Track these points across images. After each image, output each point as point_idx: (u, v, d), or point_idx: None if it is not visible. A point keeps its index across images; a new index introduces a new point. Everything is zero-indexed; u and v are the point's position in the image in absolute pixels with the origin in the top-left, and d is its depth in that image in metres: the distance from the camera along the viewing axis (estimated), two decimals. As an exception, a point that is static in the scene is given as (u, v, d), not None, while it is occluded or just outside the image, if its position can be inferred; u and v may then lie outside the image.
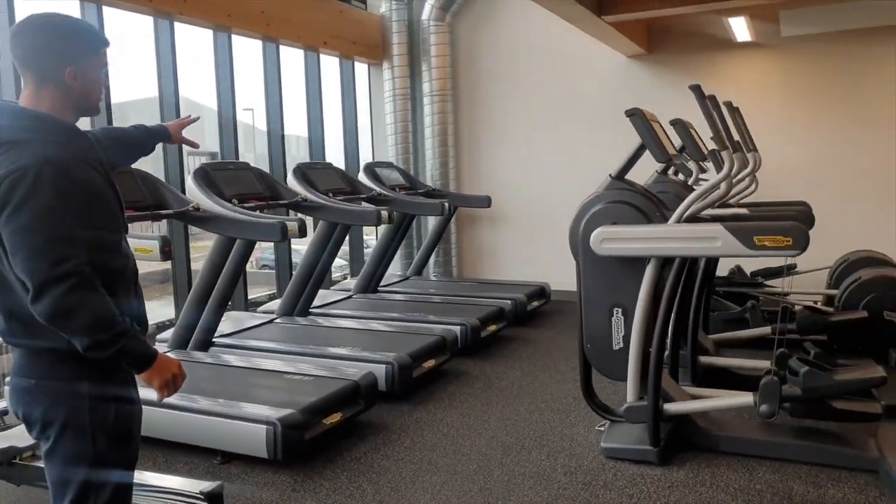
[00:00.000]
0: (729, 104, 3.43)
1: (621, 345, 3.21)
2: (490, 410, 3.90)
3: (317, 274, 5.22)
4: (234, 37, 5.48)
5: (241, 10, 5.21)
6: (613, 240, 3.04)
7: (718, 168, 3.08)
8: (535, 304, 5.94)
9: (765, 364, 3.93)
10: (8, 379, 1.74)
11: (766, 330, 4.42)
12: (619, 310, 3.20)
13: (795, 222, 2.70)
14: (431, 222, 6.76)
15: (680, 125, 3.63)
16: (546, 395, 4.11)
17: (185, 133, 2.38)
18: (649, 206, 3.15)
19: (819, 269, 5.05)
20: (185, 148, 2.69)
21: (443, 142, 6.87)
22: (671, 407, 3.20)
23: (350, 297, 5.96)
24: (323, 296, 5.62)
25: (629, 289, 3.12)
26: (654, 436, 3.15)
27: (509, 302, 5.55)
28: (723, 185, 3.05)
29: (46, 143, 1.57)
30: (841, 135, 5.49)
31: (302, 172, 5.07)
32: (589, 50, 6.02)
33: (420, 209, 5.88)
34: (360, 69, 7.22)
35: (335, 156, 6.91)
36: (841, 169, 5.50)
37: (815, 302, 4.96)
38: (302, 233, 4.21)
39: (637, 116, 3.06)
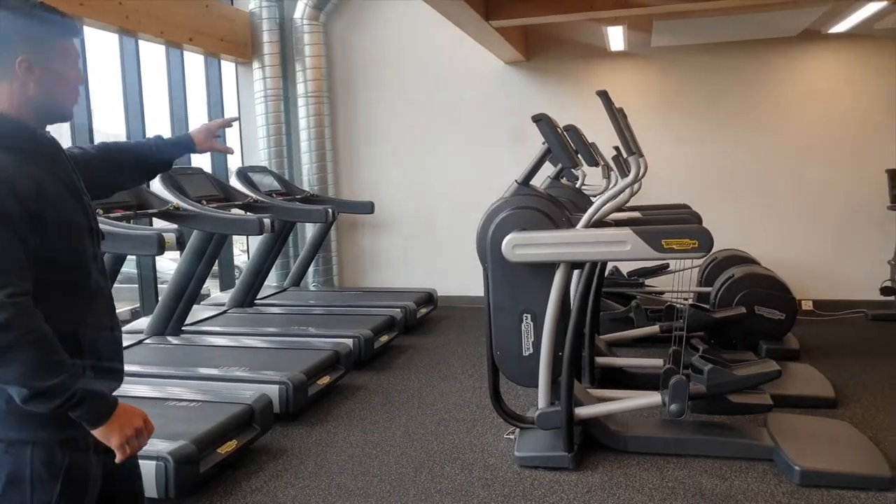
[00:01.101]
0: (621, 110, 3.53)
1: (531, 351, 3.18)
2: (394, 425, 3.73)
3: (191, 289, 4.79)
4: (87, 29, 4.90)
5: (94, -2, 4.66)
6: (526, 246, 3.00)
7: (622, 174, 3.13)
8: (424, 310, 5.84)
9: (656, 362, 4.12)
10: None
11: (655, 328, 4.62)
12: (529, 316, 3.16)
13: (701, 226, 2.79)
14: (310, 230, 6.47)
15: (573, 131, 3.68)
16: (449, 405, 4.01)
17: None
18: (555, 211, 3.14)
19: (689, 269, 5.36)
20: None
21: (320, 145, 6.59)
22: (582, 411, 3.21)
23: (225, 312, 5.55)
24: (193, 312, 5.17)
25: (538, 294, 3.10)
26: (569, 441, 3.14)
27: (399, 310, 5.41)
28: (627, 190, 3.11)
29: None
30: (706, 141, 5.88)
31: (171, 178, 4.62)
32: (468, 54, 6.03)
33: (303, 216, 5.58)
34: (229, 68, 6.78)
35: (201, 160, 6.42)
36: (705, 173, 5.90)
37: (686, 299, 5.26)
38: (181, 245, 3.82)
39: (544, 122, 3.04)
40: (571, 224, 3.10)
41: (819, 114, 5.75)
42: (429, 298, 6.03)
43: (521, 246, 3.03)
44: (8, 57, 1.36)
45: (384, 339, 4.96)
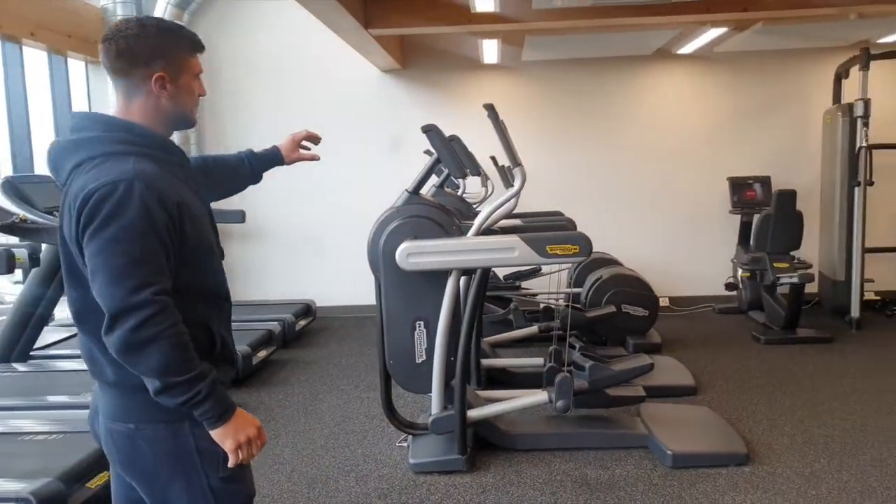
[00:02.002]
0: (501, 122, 3.67)
1: (424, 357, 3.22)
2: (281, 443, 3.63)
3: (41, 311, 4.35)
4: None
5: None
6: (419, 254, 3.03)
7: (506, 183, 3.25)
8: (303, 322, 5.70)
9: (537, 361, 4.31)
10: (98, 420, 1.59)
11: (534, 329, 4.83)
12: (422, 323, 3.20)
13: (582, 232, 2.97)
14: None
15: (458, 142, 3.78)
16: (337, 418, 3.95)
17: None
18: (446, 219, 3.21)
19: (559, 271, 5.65)
20: None
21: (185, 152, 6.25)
22: (474, 413, 3.30)
23: (77, 334, 5.09)
24: (43, 334, 4.68)
25: (431, 302, 3.15)
26: (462, 444, 3.20)
27: (277, 323, 5.25)
28: (513, 199, 3.23)
29: (139, 156, 1.45)
30: (573, 151, 6.22)
31: (13, 187, 4.17)
32: (343, 61, 5.98)
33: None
34: (78, 67, 6.26)
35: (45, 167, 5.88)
36: (573, 181, 6.24)
37: (559, 300, 5.54)
38: (34, 261, 3.49)
39: (434, 132, 3.10)
40: (462, 232, 3.18)
41: (671, 127, 6.27)
42: (307, 310, 5.91)
43: (415, 254, 3.06)
44: (145, 73, 1.48)
45: (262, 354, 4.80)
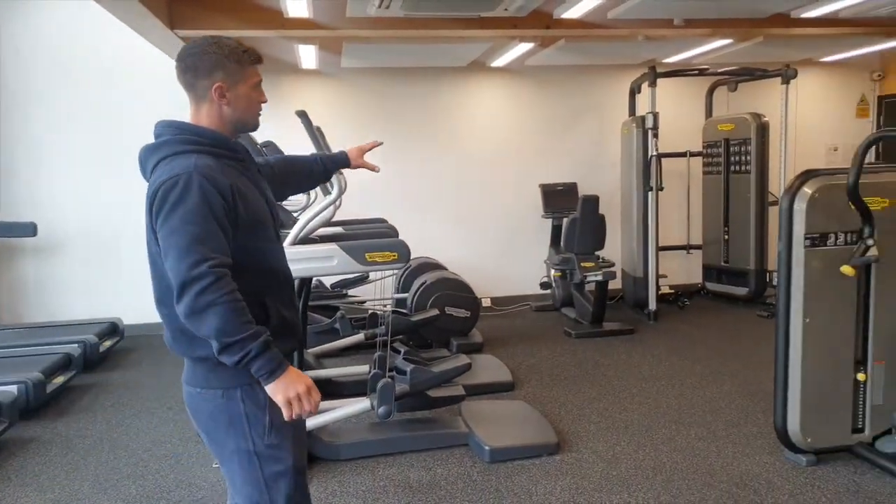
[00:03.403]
0: (318, 129, 3.62)
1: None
2: (80, 476, 3.29)
3: None
4: None
5: None
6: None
7: (324, 190, 3.21)
8: (109, 343, 5.23)
9: (363, 369, 4.29)
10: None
11: (360, 336, 4.80)
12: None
13: (399, 239, 3.00)
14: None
15: (272, 147, 3.68)
16: (147, 444, 3.67)
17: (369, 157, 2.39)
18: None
19: (383, 278, 5.69)
20: None
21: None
22: (295, 427, 3.20)
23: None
24: None
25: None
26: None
27: (77, 345, 4.78)
28: (332, 206, 3.20)
29: (200, 153, 1.68)
30: (396, 158, 6.24)
31: None
32: (141, 62, 5.58)
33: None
34: None
35: None
36: (396, 188, 6.28)
37: (386, 306, 5.58)
38: None
39: (246, 140, 2.97)
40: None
41: (488, 136, 6.56)
42: (113, 329, 5.44)
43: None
44: (207, 86, 1.73)
45: (59, 380, 4.34)
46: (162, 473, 3.31)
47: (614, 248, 6.27)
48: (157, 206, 1.63)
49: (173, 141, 1.72)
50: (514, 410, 3.84)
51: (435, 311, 4.77)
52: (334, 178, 3.06)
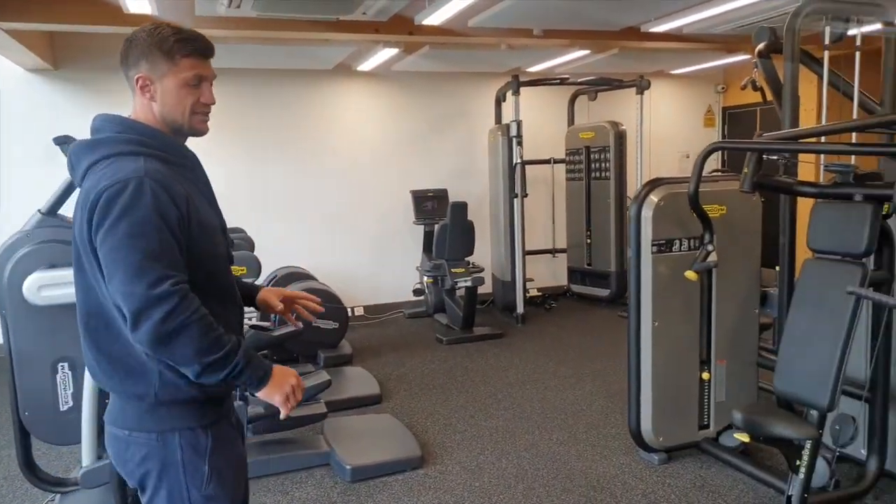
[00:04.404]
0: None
1: (71, 403, 2.82)
2: None
3: None
4: None
5: None
6: (56, 286, 2.62)
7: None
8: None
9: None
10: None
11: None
12: (66, 364, 2.79)
13: (249, 252, 2.83)
14: None
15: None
16: (-34, 487, 3.26)
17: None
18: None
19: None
20: None
21: None
22: (137, 459, 2.95)
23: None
24: None
25: (77, 339, 2.73)
26: (121, 496, 2.83)
27: None
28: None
29: (149, 157, 1.48)
30: (261, 165, 6.02)
31: None
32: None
33: None
34: None
35: None
36: (262, 196, 6.04)
37: (250, 318, 5.32)
38: None
39: (70, 145, 2.69)
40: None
41: (358, 141, 6.44)
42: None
43: (50, 286, 2.64)
44: (132, 77, 1.51)
45: None
46: (-20, 521, 2.94)
47: (484, 254, 6.35)
48: (99, 215, 1.39)
49: (115, 139, 1.49)
50: (380, 425, 3.76)
51: (299, 325, 4.58)
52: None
